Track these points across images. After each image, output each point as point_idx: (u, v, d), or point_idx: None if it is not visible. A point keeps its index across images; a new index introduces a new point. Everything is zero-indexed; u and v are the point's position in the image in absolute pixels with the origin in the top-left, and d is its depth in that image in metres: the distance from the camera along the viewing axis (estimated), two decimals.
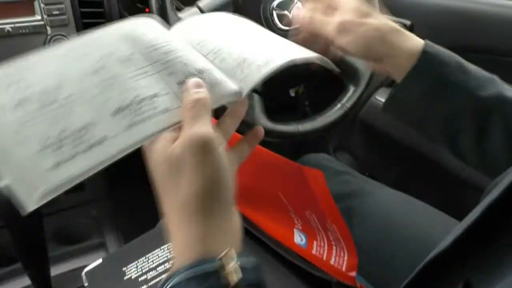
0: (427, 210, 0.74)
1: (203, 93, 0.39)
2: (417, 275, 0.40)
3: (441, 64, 0.53)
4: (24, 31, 0.78)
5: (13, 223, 0.67)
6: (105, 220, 1.10)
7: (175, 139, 0.38)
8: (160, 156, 0.38)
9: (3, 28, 0.76)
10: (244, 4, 0.74)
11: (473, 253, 0.36)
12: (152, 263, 0.65)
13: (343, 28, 0.55)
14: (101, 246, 1.06)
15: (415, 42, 0.56)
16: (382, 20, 0.56)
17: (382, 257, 0.67)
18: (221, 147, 0.38)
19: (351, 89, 0.85)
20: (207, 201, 0.37)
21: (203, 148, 0.37)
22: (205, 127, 0.38)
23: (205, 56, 0.46)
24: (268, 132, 0.76)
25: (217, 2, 0.74)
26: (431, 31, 1.05)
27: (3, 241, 1.00)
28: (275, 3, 0.76)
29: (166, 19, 0.69)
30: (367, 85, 0.86)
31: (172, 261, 0.38)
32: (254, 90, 0.76)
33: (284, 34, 0.77)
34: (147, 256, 0.66)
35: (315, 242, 0.69)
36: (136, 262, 0.66)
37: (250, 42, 0.49)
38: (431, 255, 0.39)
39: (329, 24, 0.56)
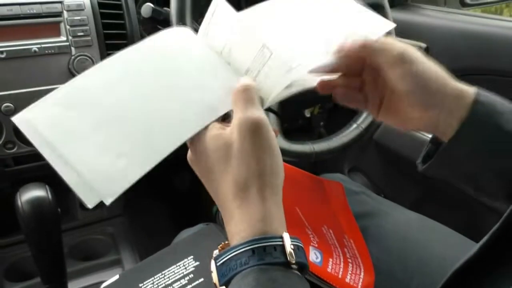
0: (443, 231, 0.74)
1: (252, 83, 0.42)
2: None
3: (496, 113, 0.45)
4: (49, 51, 0.81)
5: (34, 238, 0.68)
6: (121, 237, 1.11)
7: (224, 128, 0.40)
8: (214, 142, 0.40)
9: (30, 48, 0.79)
10: None
11: (492, 270, 0.36)
12: (168, 279, 0.66)
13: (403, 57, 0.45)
14: (118, 262, 1.07)
15: (461, 88, 0.47)
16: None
17: (398, 277, 0.67)
18: (272, 132, 0.40)
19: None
20: (265, 182, 0.38)
21: (259, 130, 0.38)
22: (258, 111, 0.39)
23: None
24: (284, 152, 0.76)
25: None
26: (447, 54, 1.07)
27: (22, 256, 1.02)
28: None
29: None
30: None
31: (227, 240, 0.39)
32: (270, 110, 0.77)
33: None
34: (163, 272, 0.67)
35: (330, 260, 0.69)
36: (153, 278, 0.66)
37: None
38: (450, 273, 0.39)
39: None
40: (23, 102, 0.79)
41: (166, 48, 0.46)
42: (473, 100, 0.45)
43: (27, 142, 0.82)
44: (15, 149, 0.81)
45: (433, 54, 1.08)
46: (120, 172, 0.39)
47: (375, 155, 1.24)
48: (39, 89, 0.80)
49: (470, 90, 0.46)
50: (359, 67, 0.49)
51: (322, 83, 0.48)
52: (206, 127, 0.41)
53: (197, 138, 0.41)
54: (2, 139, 0.79)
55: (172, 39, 0.47)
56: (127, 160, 0.40)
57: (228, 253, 0.36)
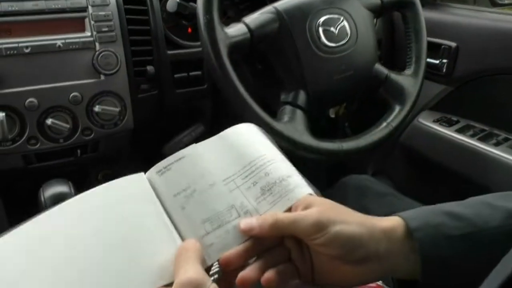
0: None
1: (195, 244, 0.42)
2: None
3: (436, 227, 0.44)
4: (74, 46, 0.80)
5: None
6: None
7: None
8: None
9: (55, 44, 0.78)
10: (290, 20, 0.74)
11: None
12: None
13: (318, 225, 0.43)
14: None
15: (387, 224, 0.45)
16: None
17: None
18: (212, 286, 0.38)
19: (397, 108, 0.83)
20: None
21: None
22: (195, 272, 0.39)
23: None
24: (312, 149, 0.74)
25: (262, 19, 0.74)
26: (477, 54, 1.03)
27: None
28: (321, 20, 0.76)
29: (213, 35, 0.69)
30: (413, 104, 0.84)
31: None
32: (297, 106, 0.75)
33: (330, 50, 0.77)
34: None
35: None
36: None
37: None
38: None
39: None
40: (46, 97, 0.79)
41: (115, 200, 0.45)
42: (407, 230, 0.44)
43: (50, 139, 0.82)
44: (38, 145, 0.79)
45: (463, 54, 1.05)
46: None
47: (401, 158, 1.20)
48: (62, 85, 0.80)
49: (395, 220, 0.45)
50: (277, 239, 0.46)
51: (243, 279, 0.43)
52: None
53: None
54: (26, 134, 0.78)
55: (123, 189, 0.46)
56: None
57: None
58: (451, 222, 0.45)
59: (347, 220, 0.44)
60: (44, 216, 0.43)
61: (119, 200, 0.45)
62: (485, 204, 0.48)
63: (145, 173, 0.48)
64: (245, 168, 0.48)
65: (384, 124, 0.81)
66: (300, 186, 0.48)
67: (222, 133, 0.51)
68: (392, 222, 0.45)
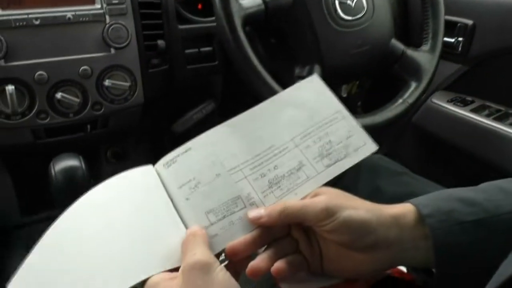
0: None
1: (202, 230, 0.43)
2: None
3: (447, 213, 0.43)
4: (84, 19, 0.78)
5: (66, 207, 0.66)
6: None
7: (173, 277, 0.40)
8: None
9: (65, 15, 0.77)
10: None
11: None
12: None
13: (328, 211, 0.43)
14: None
15: (396, 210, 0.44)
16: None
17: None
18: (218, 268, 0.39)
19: (413, 84, 0.81)
20: None
21: (203, 270, 0.38)
22: (204, 255, 0.39)
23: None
24: None
25: None
26: (495, 31, 1.01)
27: None
28: None
29: (228, 6, 0.67)
30: (430, 81, 0.82)
31: None
32: None
33: (346, 24, 0.75)
34: None
35: None
36: None
37: None
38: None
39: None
40: (56, 71, 0.77)
41: (127, 192, 0.47)
42: (418, 216, 0.43)
43: (60, 113, 0.80)
44: (48, 119, 0.78)
45: (479, 32, 1.03)
46: None
47: (413, 139, 1.19)
48: (72, 58, 0.78)
49: (405, 207, 0.44)
50: (285, 230, 0.46)
51: (253, 269, 0.42)
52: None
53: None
54: (35, 108, 0.77)
55: (135, 181, 0.47)
56: None
57: None
58: (463, 208, 0.43)
59: (356, 206, 0.43)
60: (70, 210, 0.46)
61: (130, 191, 0.47)
62: (498, 189, 0.46)
63: (153, 165, 0.49)
64: (253, 158, 0.47)
65: (400, 100, 0.79)
66: (309, 180, 0.47)
67: (230, 121, 0.50)
68: (402, 208, 0.44)
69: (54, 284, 0.41)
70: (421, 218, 0.43)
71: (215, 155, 0.47)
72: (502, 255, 0.37)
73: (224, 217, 0.44)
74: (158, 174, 0.47)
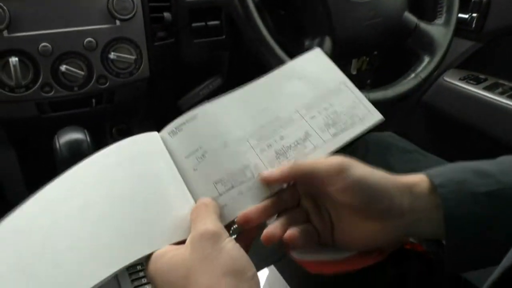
0: None
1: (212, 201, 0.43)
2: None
3: (461, 184, 0.42)
4: None
5: None
6: None
7: (180, 247, 0.39)
8: (172, 262, 0.38)
9: None
10: None
11: None
12: None
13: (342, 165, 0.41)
14: None
15: (411, 179, 0.43)
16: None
17: None
18: (227, 239, 0.39)
19: (426, 59, 0.79)
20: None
21: (213, 240, 0.38)
22: (215, 225, 0.39)
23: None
24: None
25: None
26: (510, 6, 0.98)
27: None
28: None
29: None
30: (444, 56, 0.80)
31: None
32: None
33: None
34: None
35: None
36: None
37: None
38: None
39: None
40: (60, 42, 0.76)
41: (129, 159, 0.45)
42: (431, 185, 0.42)
43: (65, 86, 0.79)
44: (52, 92, 0.77)
45: (494, 7, 1.00)
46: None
47: (424, 117, 1.17)
48: (77, 29, 0.76)
49: (418, 177, 0.43)
50: (295, 199, 0.45)
51: (268, 236, 0.42)
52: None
53: (156, 257, 0.40)
54: (39, 81, 0.75)
55: (138, 148, 0.46)
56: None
57: None
58: (476, 179, 0.42)
59: (370, 169, 0.42)
60: (61, 178, 0.44)
61: (133, 158, 0.45)
62: (511, 161, 0.45)
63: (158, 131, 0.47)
64: (259, 129, 0.46)
65: (413, 75, 0.77)
66: (316, 149, 0.46)
67: (234, 93, 0.49)
68: (415, 178, 0.43)
69: (54, 252, 0.39)
70: (433, 187, 0.41)
71: (221, 125, 0.46)
72: None
73: (232, 187, 0.43)
74: (164, 142, 0.46)
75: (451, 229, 0.41)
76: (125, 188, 0.43)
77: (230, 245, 0.38)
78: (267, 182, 0.44)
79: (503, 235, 0.42)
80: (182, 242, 0.40)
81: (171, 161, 0.45)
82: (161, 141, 0.46)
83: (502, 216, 0.42)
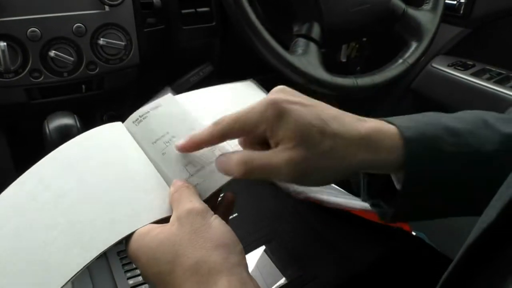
0: None
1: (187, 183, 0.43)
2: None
3: (433, 145, 0.41)
4: None
5: None
6: None
7: (161, 226, 0.40)
8: (158, 238, 0.39)
9: None
10: None
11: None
12: None
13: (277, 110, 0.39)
14: None
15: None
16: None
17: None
18: (214, 215, 0.40)
19: (414, 44, 0.80)
20: (223, 259, 0.37)
21: (200, 215, 0.39)
22: (199, 203, 0.40)
23: None
24: (326, 84, 0.72)
25: None
26: None
27: None
28: None
29: None
30: (431, 41, 0.80)
31: None
32: (311, 39, 0.72)
33: None
34: None
35: None
36: None
37: None
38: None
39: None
40: (49, 27, 0.75)
41: (95, 148, 0.45)
42: (400, 138, 0.40)
43: (54, 72, 0.79)
44: (41, 78, 0.77)
45: None
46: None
47: (412, 105, 1.18)
48: (66, 15, 0.76)
49: (383, 125, 0.41)
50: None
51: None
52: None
53: (133, 242, 0.40)
54: (28, 66, 0.75)
55: (102, 137, 0.46)
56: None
57: None
58: (448, 137, 0.41)
59: (311, 111, 0.39)
60: (27, 173, 0.44)
61: (99, 146, 0.46)
62: (482, 122, 0.44)
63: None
64: (223, 113, 0.46)
65: (400, 60, 0.78)
66: None
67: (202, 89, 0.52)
68: (382, 126, 0.41)
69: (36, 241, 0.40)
70: (403, 142, 0.40)
71: (186, 112, 0.48)
72: (483, 191, 0.37)
73: (202, 167, 0.44)
74: (129, 130, 0.47)
75: (410, 177, 0.41)
76: (95, 176, 0.43)
77: (217, 221, 0.39)
78: (197, 146, 0.43)
79: (459, 195, 0.42)
80: (164, 221, 0.41)
81: (139, 148, 0.46)
82: (126, 130, 0.47)
83: (463, 177, 0.42)
